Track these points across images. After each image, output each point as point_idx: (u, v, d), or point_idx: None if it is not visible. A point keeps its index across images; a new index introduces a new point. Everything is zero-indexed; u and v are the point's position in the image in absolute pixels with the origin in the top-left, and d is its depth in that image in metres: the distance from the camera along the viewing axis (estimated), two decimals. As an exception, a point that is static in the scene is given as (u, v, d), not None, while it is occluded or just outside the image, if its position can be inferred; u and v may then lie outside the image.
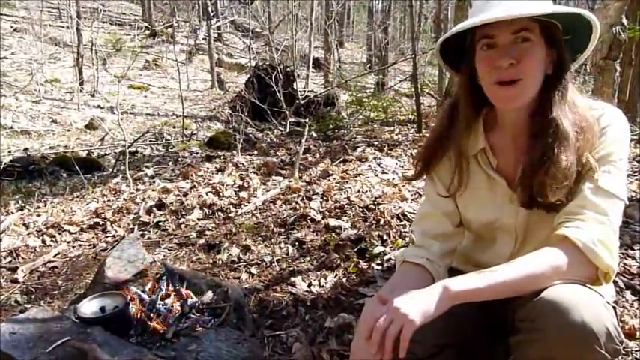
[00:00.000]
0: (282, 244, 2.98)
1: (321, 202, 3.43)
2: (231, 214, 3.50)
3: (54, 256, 3.22)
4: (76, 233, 3.55)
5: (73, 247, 3.38)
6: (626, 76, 6.22)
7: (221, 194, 3.84)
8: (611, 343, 1.04)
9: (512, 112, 1.26)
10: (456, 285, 1.09)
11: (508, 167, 1.30)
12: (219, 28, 19.76)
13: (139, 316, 2.13)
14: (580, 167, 1.16)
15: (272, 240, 3.03)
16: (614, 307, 1.18)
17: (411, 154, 4.85)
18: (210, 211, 3.59)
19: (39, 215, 3.97)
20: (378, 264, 2.65)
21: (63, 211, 4.06)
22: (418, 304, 1.07)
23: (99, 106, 11.57)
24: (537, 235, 1.27)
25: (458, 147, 1.32)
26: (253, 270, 2.75)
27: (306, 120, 7.11)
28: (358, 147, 5.42)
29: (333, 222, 3.09)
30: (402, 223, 3.02)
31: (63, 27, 16.52)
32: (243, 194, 3.79)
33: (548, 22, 1.16)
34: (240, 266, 2.80)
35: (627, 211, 2.85)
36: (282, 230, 3.13)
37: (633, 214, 2.88)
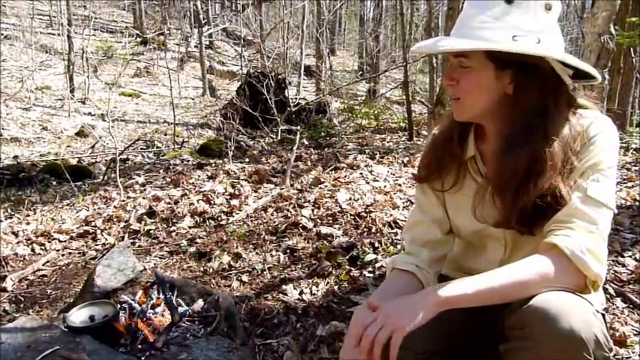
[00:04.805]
0: (274, 252, 2.97)
1: (312, 210, 3.43)
2: (223, 222, 3.49)
3: (43, 265, 3.19)
4: (65, 241, 3.53)
5: (63, 255, 3.35)
6: (615, 85, 6.30)
7: (212, 202, 3.83)
8: (600, 351, 1.04)
9: (489, 124, 1.28)
10: (444, 291, 1.09)
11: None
12: (210, 35, 19.80)
13: (129, 325, 2.11)
14: (555, 184, 1.16)
15: (263, 248, 3.02)
16: (603, 315, 1.18)
17: (402, 161, 4.87)
18: (202, 219, 3.58)
19: (28, 223, 3.94)
20: (369, 272, 2.65)
21: (53, 219, 4.03)
22: (407, 310, 1.08)
23: (90, 114, 11.55)
24: (528, 243, 1.28)
25: (456, 152, 1.34)
26: (244, 278, 2.74)
27: (298, 127, 7.14)
28: (350, 154, 5.44)
29: (324, 230, 3.08)
30: (394, 230, 3.03)
31: (54, 34, 16.50)
32: (235, 202, 3.78)
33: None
34: (231, 274, 2.79)
35: (617, 219, 2.88)
36: (274, 238, 3.13)
37: (623, 222, 2.90)
